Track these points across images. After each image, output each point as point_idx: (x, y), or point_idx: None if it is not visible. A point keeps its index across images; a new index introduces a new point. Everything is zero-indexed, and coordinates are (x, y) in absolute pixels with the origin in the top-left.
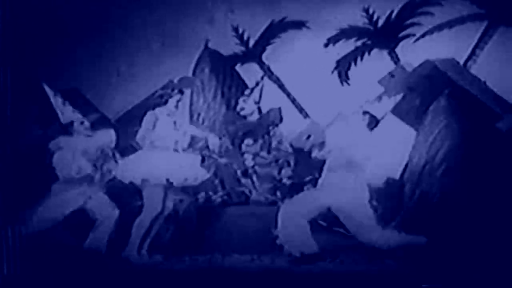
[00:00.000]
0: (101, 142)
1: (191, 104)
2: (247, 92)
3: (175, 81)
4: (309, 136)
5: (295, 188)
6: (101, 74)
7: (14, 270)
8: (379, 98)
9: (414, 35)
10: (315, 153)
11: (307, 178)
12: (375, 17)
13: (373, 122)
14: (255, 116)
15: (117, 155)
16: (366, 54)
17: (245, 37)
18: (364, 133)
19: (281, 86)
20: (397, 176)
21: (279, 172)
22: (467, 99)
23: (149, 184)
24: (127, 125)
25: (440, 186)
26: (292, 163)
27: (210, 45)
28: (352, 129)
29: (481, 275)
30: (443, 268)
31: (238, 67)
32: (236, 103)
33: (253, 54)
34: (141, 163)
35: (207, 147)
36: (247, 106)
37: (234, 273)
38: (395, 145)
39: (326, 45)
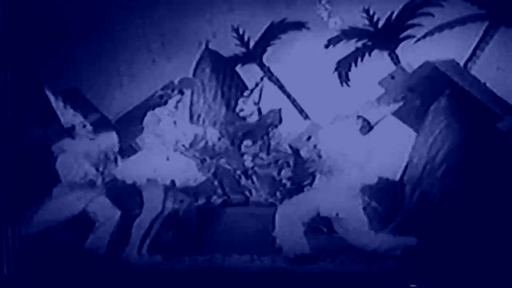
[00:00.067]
0: (104, 145)
1: (191, 105)
2: (246, 93)
3: (176, 81)
4: (309, 137)
5: (295, 189)
6: (101, 74)
7: (14, 270)
8: (377, 103)
9: (414, 36)
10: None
11: (307, 180)
12: (375, 18)
13: (366, 127)
14: (255, 117)
15: (119, 158)
16: (367, 55)
17: (246, 38)
18: (356, 137)
19: (281, 87)
20: (397, 177)
21: (279, 173)
22: (467, 100)
23: (149, 185)
24: (127, 126)
25: (440, 187)
26: (291, 164)
27: (210, 46)
28: (343, 133)
29: (481, 275)
30: (443, 268)
31: (238, 68)
32: (236, 104)
33: (254, 55)
34: (141, 164)
35: (206, 142)
36: (246, 107)
37: (234, 273)
38: (395, 146)
39: (326, 46)
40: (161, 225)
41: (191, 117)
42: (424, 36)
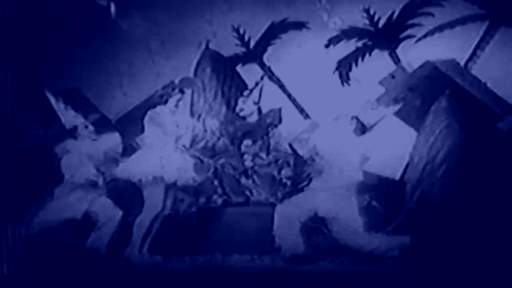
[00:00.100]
0: (106, 146)
1: (191, 105)
2: (246, 92)
3: (176, 81)
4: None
5: (295, 188)
6: (101, 74)
7: (14, 269)
8: (375, 105)
9: (415, 36)
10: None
11: (306, 179)
12: (376, 18)
13: (361, 128)
14: (255, 116)
15: (121, 159)
16: (367, 55)
17: (246, 38)
18: (353, 137)
19: (282, 87)
20: (397, 176)
21: (279, 173)
22: (467, 100)
23: (149, 183)
24: (127, 126)
25: (440, 187)
26: (292, 163)
27: (210, 45)
28: (341, 133)
29: (482, 275)
30: (443, 268)
31: (239, 68)
32: (236, 103)
33: (254, 54)
34: (141, 163)
35: (207, 142)
36: (246, 106)
37: (234, 273)
38: (396, 146)
39: (327, 46)
40: (161, 225)
41: (192, 117)
42: (424, 36)
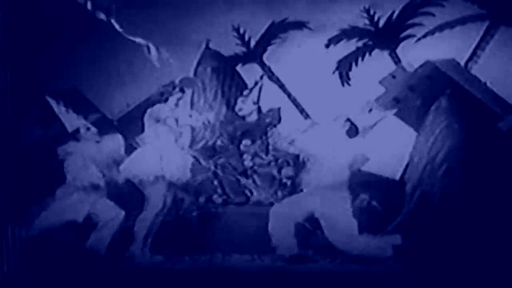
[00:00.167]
0: (109, 148)
1: (192, 105)
2: (245, 92)
3: (176, 81)
4: (292, 141)
5: (296, 188)
6: (101, 74)
7: (15, 269)
8: (374, 106)
9: (415, 35)
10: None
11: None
12: (376, 18)
13: (353, 131)
14: (254, 116)
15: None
16: (367, 54)
17: (246, 38)
18: (343, 140)
19: (282, 87)
20: (397, 176)
21: (279, 172)
22: (468, 100)
23: (150, 182)
24: (128, 125)
25: (441, 187)
26: (292, 163)
27: (211, 45)
28: (330, 136)
29: (482, 275)
30: (443, 268)
31: (239, 68)
32: (235, 103)
33: (254, 54)
34: (142, 162)
35: (207, 142)
36: (245, 106)
37: (234, 273)
38: (396, 146)
39: (327, 46)
40: (161, 225)
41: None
42: (424, 36)
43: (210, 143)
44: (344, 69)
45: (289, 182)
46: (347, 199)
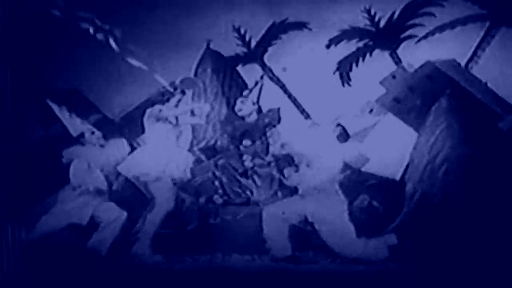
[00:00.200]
0: (115, 154)
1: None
2: (245, 92)
3: (177, 82)
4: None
5: (296, 188)
6: (101, 74)
7: (15, 268)
8: (370, 109)
9: (415, 36)
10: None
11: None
12: (376, 18)
13: (344, 136)
14: (254, 116)
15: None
16: (368, 55)
17: (247, 38)
18: (334, 145)
19: (282, 87)
20: (397, 176)
21: (279, 172)
22: (468, 100)
23: (152, 182)
24: (128, 126)
25: (441, 187)
26: (292, 163)
27: (211, 46)
28: (321, 139)
29: (483, 275)
30: (443, 268)
31: (239, 68)
32: (235, 103)
33: (255, 55)
34: (143, 162)
35: (207, 142)
36: (245, 106)
37: (234, 273)
38: (396, 146)
39: (327, 46)
40: (162, 224)
41: (192, 116)
42: (425, 36)
43: (210, 143)
44: (344, 69)
45: (289, 183)
46: (343, 202)
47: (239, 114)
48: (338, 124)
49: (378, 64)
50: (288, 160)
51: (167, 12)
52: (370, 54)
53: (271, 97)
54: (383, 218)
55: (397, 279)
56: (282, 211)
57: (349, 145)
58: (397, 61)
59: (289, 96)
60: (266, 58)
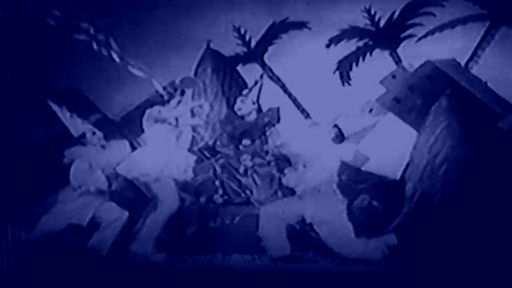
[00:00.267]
0: (116, 156)
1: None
2: (245, 92)
3: (177, 81)
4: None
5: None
6: (101, 74)
7: (15, 268)
8: (370, 109)
9: (415, 35)
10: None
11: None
12: (376, 18)
13: (340, 137)
14: (253, 116)
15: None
16: (368, 54)
17: (247, 38)
18: (334, 144)
19: (282, 87)
20: (397, 176)
21: (279, 172)
22: (468, 100)
23: (153, 182)
24: (128, 126)
25: (441, 187)
26: (292, 163)
27: (211, 45)
28: (317, 140)
29: (482, 275)
30: (443, 268)
31: (239, 68)
32: (235, 103)
33: (255, 54)
34: (143, 162)
35: (207, 142)
36: (244, 106)
37: (235, 273)
38: (396, 146)
39: (327, 46)
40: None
41: (192, 116)
42: (425, 36)
43: (210, 143)
44: (344, 69)
45: (287, 183)
46: (341, 202)
47: (239, 113)
48: (335, 125)
49: (378, 63)
50: (287, 160)
51: (167, 12)
52: (370, 54)
53: (271, 97)
54: (383, 218)
55: (397, 279)
56: (281, 211)
57: (349, 145)
58: (397, 60)
59: (289, 95)
60: (266, 57)
